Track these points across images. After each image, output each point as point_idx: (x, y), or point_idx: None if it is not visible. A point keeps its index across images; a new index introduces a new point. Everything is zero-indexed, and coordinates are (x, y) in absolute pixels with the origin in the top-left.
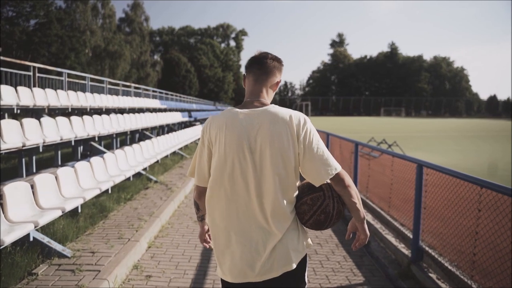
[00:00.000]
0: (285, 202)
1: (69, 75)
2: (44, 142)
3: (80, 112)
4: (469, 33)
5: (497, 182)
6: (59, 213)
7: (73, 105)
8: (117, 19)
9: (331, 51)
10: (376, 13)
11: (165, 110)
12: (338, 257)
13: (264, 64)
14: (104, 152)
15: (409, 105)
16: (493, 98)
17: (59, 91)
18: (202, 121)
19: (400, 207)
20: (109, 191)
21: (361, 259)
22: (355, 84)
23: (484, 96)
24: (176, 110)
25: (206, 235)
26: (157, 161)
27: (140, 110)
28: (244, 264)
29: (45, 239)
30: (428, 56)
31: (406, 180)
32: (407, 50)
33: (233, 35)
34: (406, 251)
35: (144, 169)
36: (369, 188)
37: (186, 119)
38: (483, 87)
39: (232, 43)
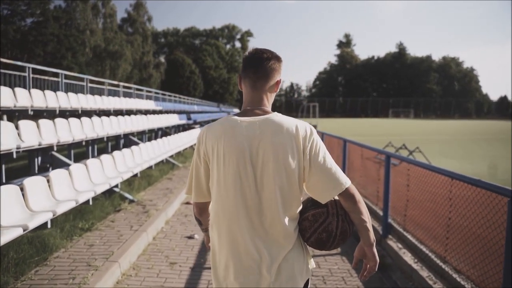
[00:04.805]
0: (287, 219)
1: (37, 72)
2: None
3: (51, 114)
4: (475, 34)
5: None
6: None
7: (34, 106)
8: (119, 19)
9: (338, 51)
10: (382, 14)
11: (160, 112)
12: None
13: (260, 68)
14: (69, 165)
15: (418, 106)
16: (503, 99)
17: (18, 89)
18: (203, 123)
19: (459, 247)
20: (48, 225)
21: None
22: (362, 85)
23: (493, 97)
24: (174, 112)
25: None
26: (136, 175)
27: (131, 112)
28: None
29: None
30: (437, 57)
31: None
32: (415, 50)
33: (238, 36)
34: None
35: (117, 185)
36: (408, 216)
37: (184, 121)
38: (489, 88)
39: (238, 44)
